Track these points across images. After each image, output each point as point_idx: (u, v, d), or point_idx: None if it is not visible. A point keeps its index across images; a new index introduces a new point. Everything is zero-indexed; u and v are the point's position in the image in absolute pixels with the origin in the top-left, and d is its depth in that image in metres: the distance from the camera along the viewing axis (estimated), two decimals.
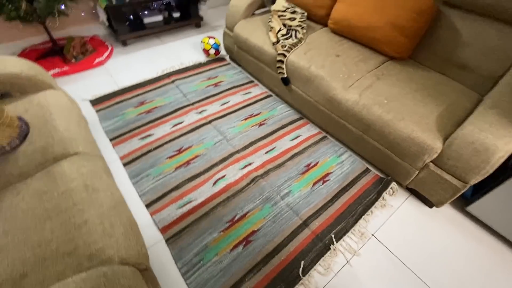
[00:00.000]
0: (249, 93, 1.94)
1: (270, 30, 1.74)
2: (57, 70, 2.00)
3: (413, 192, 1.39)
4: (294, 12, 1.75)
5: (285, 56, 1.62)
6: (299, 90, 1.65)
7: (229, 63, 2.23)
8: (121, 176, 1.38)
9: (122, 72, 2.08)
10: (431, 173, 1.20)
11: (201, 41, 2.18)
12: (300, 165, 1.47)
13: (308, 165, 1.47)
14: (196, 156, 1.48)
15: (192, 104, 1.81)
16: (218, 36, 2.59)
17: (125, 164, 1.42)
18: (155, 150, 1.50)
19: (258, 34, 1.79)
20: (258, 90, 1.97)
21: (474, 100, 1.31)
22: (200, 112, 1.75)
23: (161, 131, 1.61)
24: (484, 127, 1.02)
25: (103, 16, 2.20)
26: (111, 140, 1.55)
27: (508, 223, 1.15)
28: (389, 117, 1.24)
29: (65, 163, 0.91)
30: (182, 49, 2.37)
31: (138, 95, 1.86)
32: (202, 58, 2.27)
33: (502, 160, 0.99)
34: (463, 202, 1.34)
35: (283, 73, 1.65)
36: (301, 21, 1.74)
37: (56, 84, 1.37)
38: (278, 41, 1.68)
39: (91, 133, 1.17)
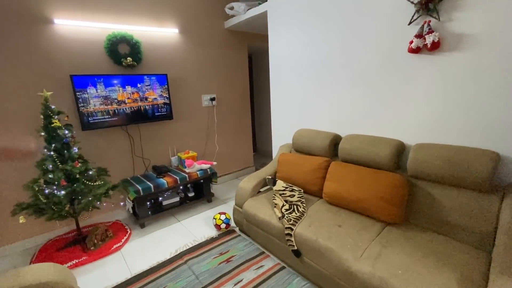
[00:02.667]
0: (261, 266, 1.93)
1: (275, 206, 2.01)
2: (75, 261, 2.07)
3: None
4: (292, 190, 2.11)
5: (292, 229, 1.78)
6: (312, 263, 1.68)
7: (239, 235, 2.36)
8: None
9: (137, 256, 2.14)
10: None
11: (213, 217, 2.43)
12: None
13: None
14: None
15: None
16: (228, 208, 2.90)
17: None
18: None
19: (265, 210, 2.04)
20: (270, 263, 1.97)
21: (483, 259, 1.34)
22: None
23: None
24: None
25: (129, 205, 2.55)
26: None
27: None
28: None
29: None
30: (195, 225, 2.58)
31: (150, 282, 1.83)
32: (214, 233, 2.43)
33: None
34: None
35: (293, 246, 1.75)
36: (300, 197, 2.06)
37: (76, 283, 1.41)
38: (283, 216, 1.90)
39: None
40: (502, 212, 1.39)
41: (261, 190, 2.45)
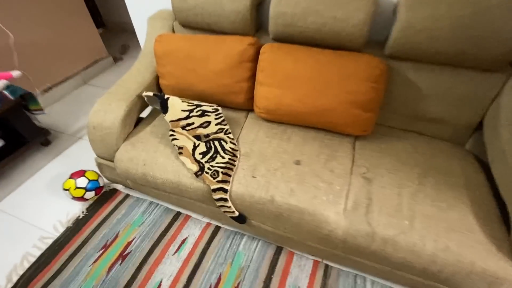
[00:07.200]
0: (184, 241, 1.22)
1: (181, 153, 1.08)
2: None
3: None
4: (202, 113, 1.15)
5: (225, 190, 1.01)
6: (267, 227, 1.08)
7: (127, 195, 1.42)
8: None
9: None
10: None
11: (63, 189, 1.28)
12: None
13: None
14: None
15: None
16: (87, 148, 1.69)
17: None
18: None
19: (162, 163, 1.10)
20: (196, 228, 1.27)
21: (475, 165, 1.07)
22: None
23: None
24: None
25: None
26: None
27: None
28: (429, 249, 0.84)
29: None
30: (31, 205, 1.39)
31: None
32: (78, 208, 1.38)
33: None
34: None
35: (233, 212, 1.05)
36: (220, 121, 1.16)
37: None
38: (201, 168, 1.05)
39: None
40: (502, 96, 1.02)
41: (141, 115, 1.34)
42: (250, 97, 1.23)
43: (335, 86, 1.04)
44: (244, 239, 1.22)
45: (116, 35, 3.01)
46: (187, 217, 1.32)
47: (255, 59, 1.16)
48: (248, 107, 1.27)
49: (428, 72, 1.09)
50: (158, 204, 1.38)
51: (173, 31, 1.38)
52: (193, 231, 1.26)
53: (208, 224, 1.29)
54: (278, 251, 1.19)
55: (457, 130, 1.16)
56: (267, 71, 1.11)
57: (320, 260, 1.16)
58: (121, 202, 1.39)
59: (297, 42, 1.15)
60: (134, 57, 2.59)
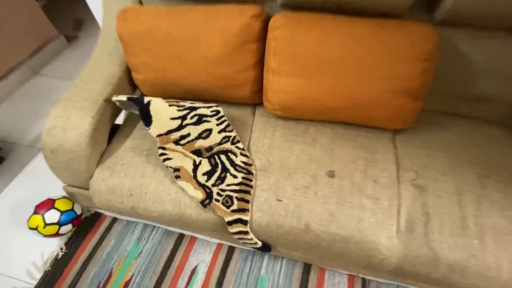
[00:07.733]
0: (196, 269, 1.02)
1: (178, 177, 0.82)
2: None
3: None
4: (200, 120, 0.86)
5: (244, 221, 0.78)
6: (297, 254, 0.89)
7: (114, 219, 1.17)
8: None
9: None
10: None
11: (29, 228, 1.00)
12: None
13: None
14: None
15: None
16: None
17: None
18: None
19: (155, 190, 0.84)
20: (206, 252, 1.07)
21: None
22: None
23: None
24: None
25: None
26: None
27: None
28: (505, 272, 0.69)
29: None
30: None
31: None
32: (53, 244, 1.11)
33: None
34: None
35: (256, 243, 0.84)
36: (223, 127, 0.89)
37: None
38: (209, 194, 0.80)
39: None
40: None
41: (116, 121, 1.03)
42: (258, 89, 0.94)
43: (377, 69, 0.78)
44: (266, 260, 1.04)
45: (64, 6, 2.42)
46: (193, 239, 1.10)
47: (262, 37, 0.85)
48: (255, 101, 0.99)
49: (488, 40, 0.85)
50: (155, 226, 1.14)
51: (141, 3, 1.00)
52: (202, 256, 1.06)
53: (220, 245, 1.08)
54: (307, 269, 1.02)
55: (510, 109, 0.97)
56: (283, 55, 0.81)
57: (355, 274, 1.01)
58: (108, 228, 1.14)
59: (316, 9, 0.85)
60: (92, 34, 2.11)
